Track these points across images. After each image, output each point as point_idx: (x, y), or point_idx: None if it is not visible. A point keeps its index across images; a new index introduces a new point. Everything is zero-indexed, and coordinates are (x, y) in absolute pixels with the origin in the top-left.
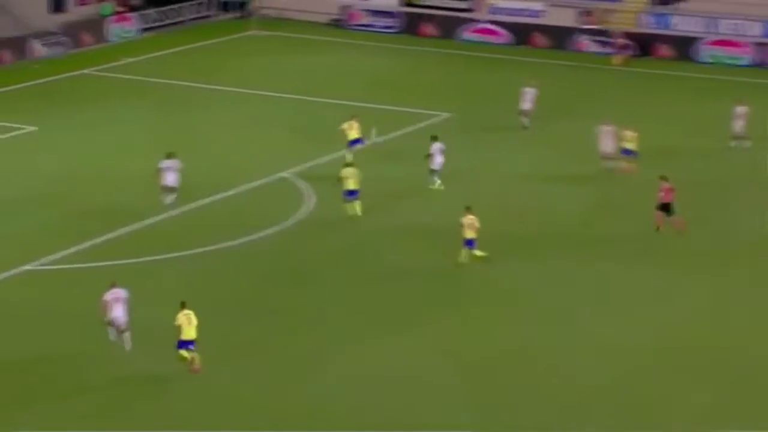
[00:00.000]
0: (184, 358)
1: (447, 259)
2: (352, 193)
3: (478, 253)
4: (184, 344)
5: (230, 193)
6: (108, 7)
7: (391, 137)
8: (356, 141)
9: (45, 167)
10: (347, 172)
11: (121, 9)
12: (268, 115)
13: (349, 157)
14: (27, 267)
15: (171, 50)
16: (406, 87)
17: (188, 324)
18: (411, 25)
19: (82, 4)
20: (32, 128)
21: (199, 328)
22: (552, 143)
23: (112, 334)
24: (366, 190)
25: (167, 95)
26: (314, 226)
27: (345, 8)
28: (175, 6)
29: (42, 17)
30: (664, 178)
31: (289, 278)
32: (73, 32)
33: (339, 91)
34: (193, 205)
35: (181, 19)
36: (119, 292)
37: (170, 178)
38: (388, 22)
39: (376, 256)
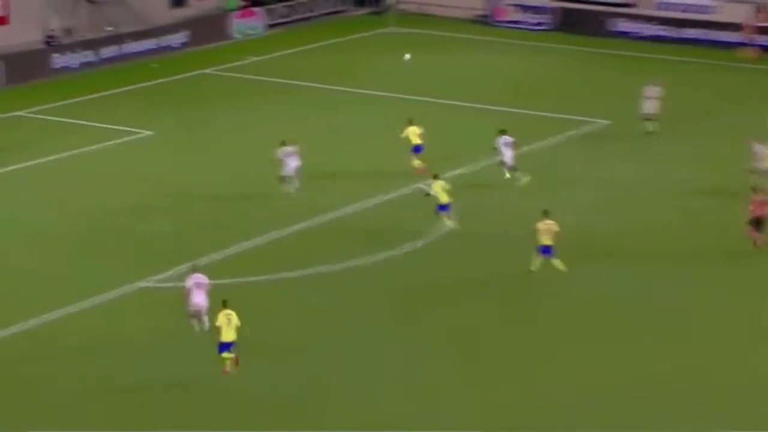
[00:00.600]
0: (226, 362)
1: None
2: (443, 207)
3: (558, 264)
4: (224, 347)
5: (363, 204)
6: (233, 0)
7: (538, 147)
8: (419, 148)
9: (161, 175)
10: (438, 185)
11: (246, 3)
12: (404, 119)
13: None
14: (140, 284)
15: (299, 48)
16: (558, 91)
17: (227, 325)
18: (565, 21)
19: None
20: (148, 133)
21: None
22: (708, 155)
23: (196, 326)
24: (513, 203)
25: (294, 98)
26: (455, 242)
27: (491, 3)
28: (305, 0)
29: (162, 12)
30: (755, 190)
31: (424, 300)
32: (194, 28)
33: (482, 95)
34: (323, 217)
35: (311, 14)
36: (200, 278)
37: (292, 165)
38: (540, 18)
39: (517, 274)
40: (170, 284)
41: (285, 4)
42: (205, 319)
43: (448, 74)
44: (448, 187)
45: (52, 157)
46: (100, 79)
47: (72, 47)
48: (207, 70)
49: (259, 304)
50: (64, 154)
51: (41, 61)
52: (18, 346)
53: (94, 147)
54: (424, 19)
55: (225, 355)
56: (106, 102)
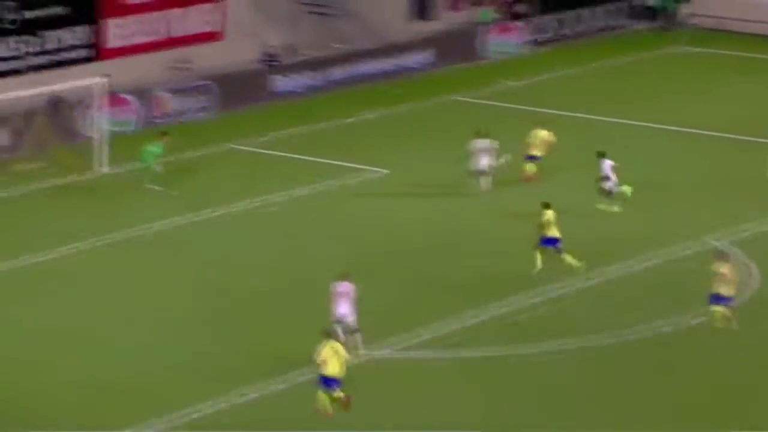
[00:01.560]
0: (333, 399)
1: None
2: (550, 241)
3: (729, 314)
4: (329, 382)
5: (638, 262)
6: (488, 13)
7: None
8: (533, 158)
9: (397, 223)
10: (549, 215)
11: (503, 16)
12: (692, 159)
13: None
14: (367, 352)
15: (567, 71)
16: None
17: (334, 358)
18: None
19: (453, 10)
20: (383, 171)
21: None
22: None
23: (340, 333)
24: None
25: (557, 130)
26: (759, 313)
27: None
28: (574, 13)
29: (401, 26)
30: None
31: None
32: (440, 46)
33: None
34: (587, 279)
35: (582, 29)
36: (346, 286)
37: (483, 162)
38: None
39: None
40: (397, 355)
41: (550, 17)
42: (358, 338)
43: (752, 104)
44: (555, 218)
45: (260, 201)
46: (334, 106)
47: (294, 68)
48: (454, 97)
49: (507, 384)
50: (277, 197)
51: (257, 83)
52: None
53: (314, 188)
54: (724, 36)
55: (323, 392)
56: (332, 133)
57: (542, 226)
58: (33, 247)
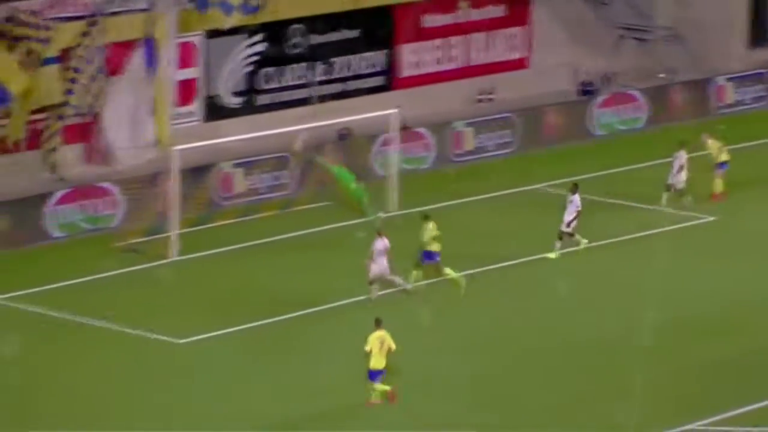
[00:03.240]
0: (380, 393)
1: None
2: (431, 255)
3: None
4: (374, 374)
5: None
6: None
7: None
8: (724, 164)
9: (722, 280)
10: (430, 228)
11: None
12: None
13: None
14: (689, 426)
15: None
16: None
17: (379, 349)
18: None
19: None
20: (709, 218)
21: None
22: None
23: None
24: None
25: None
26: None
27: None
28: None
29: (736, 54)
30: None
31: None
32: None
33: None
34: None
35: None
36: (386, 242)
37: (679, 176)
38: None
39: None
40: (712, 429)
41: None
42: (398, 280)
43: None
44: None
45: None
46: (650, 144)
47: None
48: None
49: None
50: (577, 247)
51: (570, 117)
52: None
53: (623, 237)
54: None
55: (375, 385)
56: (646, 174)
57: (428, 239)
58: (300, 299)
